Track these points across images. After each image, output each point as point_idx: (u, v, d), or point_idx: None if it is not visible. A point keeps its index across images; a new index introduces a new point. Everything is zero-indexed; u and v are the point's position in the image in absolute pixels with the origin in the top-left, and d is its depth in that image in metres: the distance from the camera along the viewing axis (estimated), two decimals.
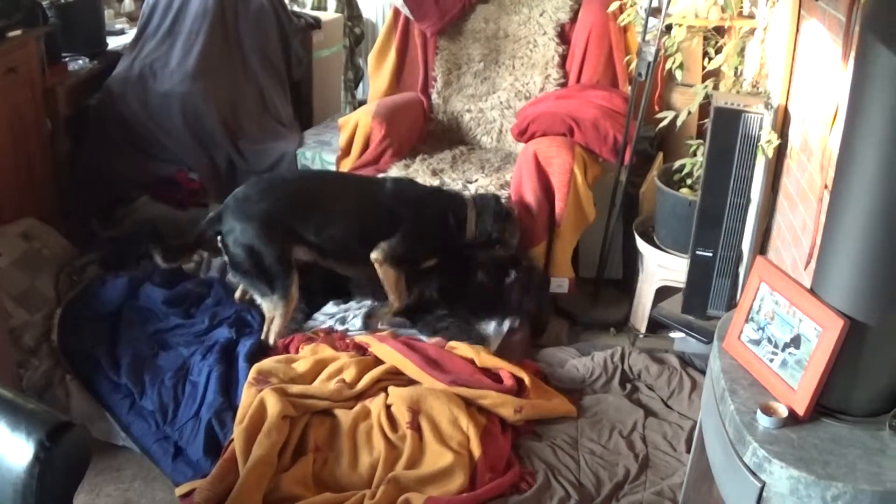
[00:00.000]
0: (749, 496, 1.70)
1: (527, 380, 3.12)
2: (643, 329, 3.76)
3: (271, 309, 3.37)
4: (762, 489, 1.68)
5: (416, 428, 2.85)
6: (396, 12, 4.46)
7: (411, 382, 3.09)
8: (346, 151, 4.15)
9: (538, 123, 3.91)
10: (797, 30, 2.90)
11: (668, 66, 3.51)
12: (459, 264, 3.59)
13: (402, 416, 2.89)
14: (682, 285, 3.41)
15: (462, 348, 3.27)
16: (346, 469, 2.77)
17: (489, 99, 4.40)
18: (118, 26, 4.89)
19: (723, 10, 3.29)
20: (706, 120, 3.19)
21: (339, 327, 3.48)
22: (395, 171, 4.01)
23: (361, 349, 3.26)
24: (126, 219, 4.68)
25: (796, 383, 1.77)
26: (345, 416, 2.92)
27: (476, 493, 2.66)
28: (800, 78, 2.88)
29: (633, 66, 3.75)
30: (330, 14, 5.42)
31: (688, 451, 2.87)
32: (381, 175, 3.96)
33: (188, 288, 3.71)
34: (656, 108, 3.66)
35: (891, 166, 1.57)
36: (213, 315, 3.50)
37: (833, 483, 1.60)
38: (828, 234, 1.75)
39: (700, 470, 2.11)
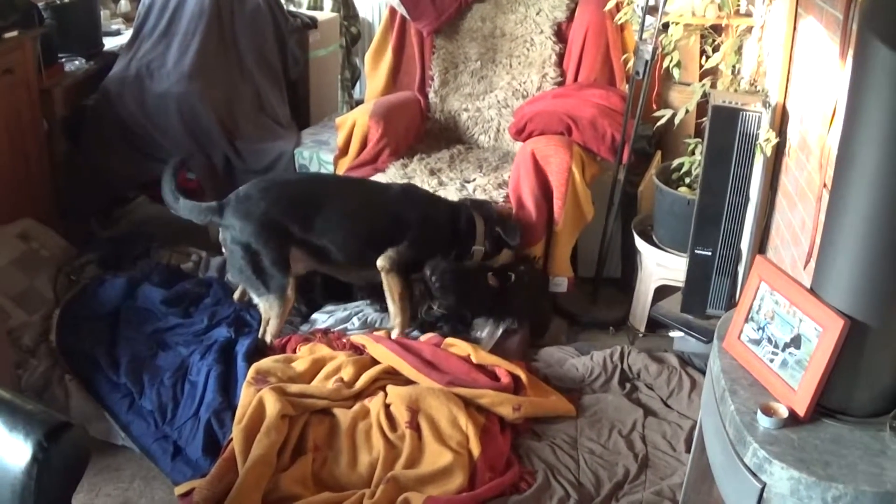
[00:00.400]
0: (749, 497, 1.70)
1: (523, 377, 3.12)
2: (642, 328, 3.76)
3: (267, 309, 3.36)
4: (762, 490, 1.67)
5: (415, 427, 2.85)
6: (393, 12, 4.46)
7: (409, 382, 3.09)
8: (344, 151, 4.15)
9: (536, 122, 3.90)
10: (794, 28, 2.89)
11: (665, 64, 3.51)
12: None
13: (401, 416, 2.89)
14: (681, 284, 3.41)
15: (459, 345, 3.27)
16: (345, 468, 2.77)
17: (486, 98, 4.39)
18: (114, 27, 4.88)
19: (720, 8, 3.28)
20: (704, 118, 3.19)
21: (338, 327, 3.48)
22: (393, 170, 4.01)
23: (358, 349, 3.26)
24: (124, 219, 4.69)
25: (797, 383, 1.77)
26: (344, 415, 2.92)
27: (475, 492, 2.66)
28: (798, 76, 2.88)
29: (630, 64, 3.75)
30: (326, 14, 5.41)
31: (687, 451, 2.87)
32: (379, 173, 3.97)
33: (187, 287, 3.71)
34: (654, 107, 3.65)
35: (891, 164, 1.57)
36: (212, 314, 3.50)
37: (834, 484, 1.59)
38: (827, 233, 1.75)
39: (700, 470, 2.11)
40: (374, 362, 3.17)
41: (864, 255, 1.65)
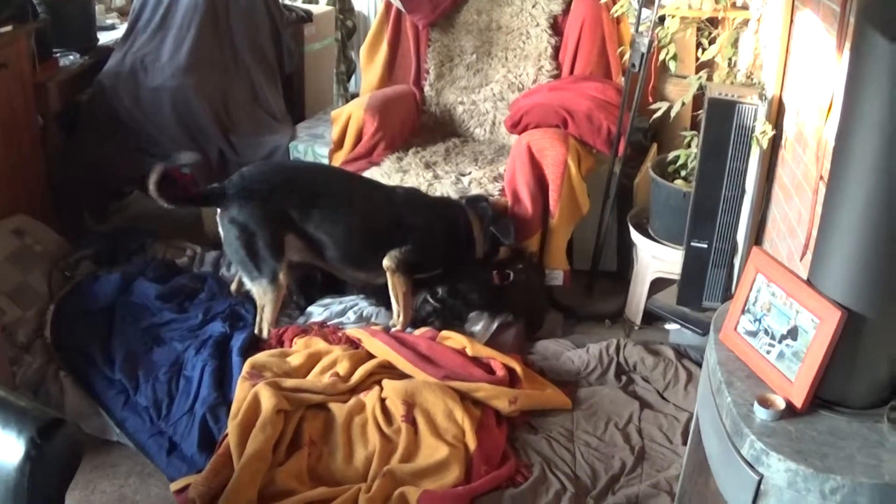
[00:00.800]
0: (747, 489, 1.70)
1: (518, 369, 3.11)
2: (638, 321, 3.76)
3: (261, 294, 3.35)
4: (760, 482, 1.67)
5: (410, 421, 2.85)
6: (388, 5, 4.44)
7: (405, 376, 3.09)
8: (339, 144, 4.13)
9: (531, 115, 3.90)
10: (791, 20, 2.89)
11: (661, 57, 3.50)
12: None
13: (397, 410, 2.88)
14: (676, 277, 3.40)
15: (454, 338, 3.27)
16: (341, 463, 2.76)
17: (482, 91, 4.38)
18: (109, 21, 4.88)
19: (716, 0, 3.27)
20: (700, 111, 3.18)
21: (333, 321, 3.47)
22: (388, 163, 4.00)
23: (354, 343, 3.25)
24: (118, 214, 4.67)
25: (794, 375, 1.77)
26: (339, 409, 2.92)
27: (472, 486, 2.66)
28: (794, 68, 2.87)
29: (626, 57, 3.74)
30: (321, 7, 5.41)
31: (684, 444, 2.87)
32: (374, 167, 3.96)
33: (181, 282, 3.70)
34: (650, 100, 3.64)
35: (888, 156, 1.56)
36: (207, 309, 3.49)
37: (831, 476, 1.59)
38: (824, 225, 1.75)
39: (696, 462, 2.11)
40: (370, 356, 3.16)
41: (861, 247, 1.65)
